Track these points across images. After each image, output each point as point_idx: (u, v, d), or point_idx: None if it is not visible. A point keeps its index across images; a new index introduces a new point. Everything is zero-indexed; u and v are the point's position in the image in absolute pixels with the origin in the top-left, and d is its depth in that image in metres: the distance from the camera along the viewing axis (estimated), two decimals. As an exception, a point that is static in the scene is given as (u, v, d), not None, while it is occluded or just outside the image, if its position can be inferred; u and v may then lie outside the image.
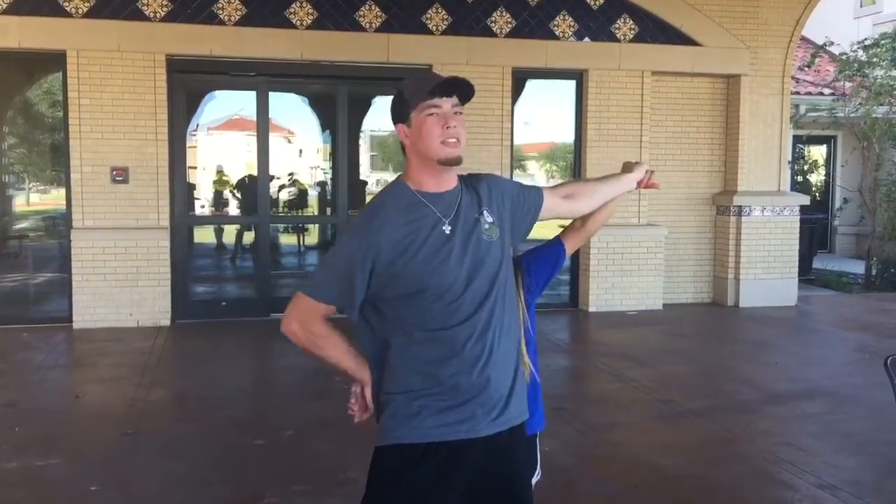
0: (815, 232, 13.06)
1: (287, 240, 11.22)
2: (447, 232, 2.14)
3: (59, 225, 9.08)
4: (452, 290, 2.12)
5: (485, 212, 2.22)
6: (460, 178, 2.28)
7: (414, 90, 2.17)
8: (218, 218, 10.75)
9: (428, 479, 2.12)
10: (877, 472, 4.72)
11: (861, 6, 17.43)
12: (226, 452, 4.89)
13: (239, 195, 10.62)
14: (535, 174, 11.79)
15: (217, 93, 9.98)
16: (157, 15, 8.35)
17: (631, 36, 9.50)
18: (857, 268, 13.39)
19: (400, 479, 2.13)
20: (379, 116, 10.97)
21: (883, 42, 12.55)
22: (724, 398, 6.28)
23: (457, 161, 2.16)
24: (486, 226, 2.20)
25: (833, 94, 13.21)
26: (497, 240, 2.22)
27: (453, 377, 2.12)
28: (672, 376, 6.81)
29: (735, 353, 7.98)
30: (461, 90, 2.18)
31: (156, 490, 4.33)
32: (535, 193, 2.46)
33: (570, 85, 9.67)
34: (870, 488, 4.42)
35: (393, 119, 2.24)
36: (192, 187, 9.87)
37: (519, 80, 9.45)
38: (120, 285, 8.37)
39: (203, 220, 10.53)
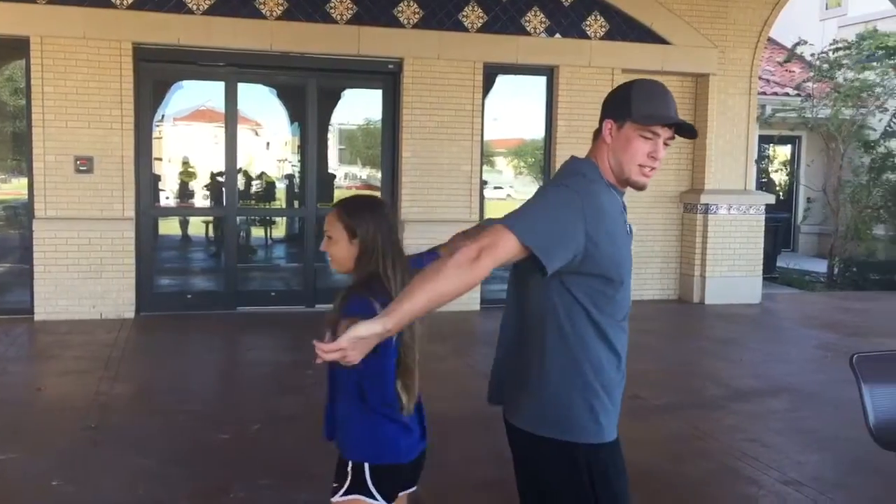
0: (780, 231, 13.24)
1: (254, 233, 11.11)
2: (628, 231, 2.21)
3: (20, 215, 8.89)
4: (626, 286, 2.19)
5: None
6: None
7: (644, 104, 2.10)
8: (184, 210, 10.61)
9: None
10: (839, 468, 4.80)
11: (826, 8, 17.69)
12: (191, 446, 4.83)
13: (206, 187, 10.49)
14: (504, 170, 11.79)
15: (184, 83, 9.83)
16: (124, 2, 8.20)
17: (601, 33, 9.54)
18: (820, 266, 13.61)
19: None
20: (349, 109, 10.90)
21: (854, 43, 12.78)
22: (690, 394, 6.34)
23: (641, 189, 2.20)
24: (629, 231, 2.25)
25: (798, 94, 13.39)
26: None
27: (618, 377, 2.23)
28: (639, 373, 6.82)
29: (701, 349, 8.06)
30: (683, 128, 2.16)
31: (119, 484, 4.26)
32: None
33: (541, 81, 9.69)
34: (832, 484, 4.48)
35: (607, 109, 2.18)
36: (157, 178, 9.73)
37: (489, 75, 9.44)
38: (83, 277, 8.23)
39: (169, 212, 10.39)
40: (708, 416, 5.76)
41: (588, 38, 9.51)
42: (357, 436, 2.40)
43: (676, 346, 8.21)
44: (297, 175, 10.66)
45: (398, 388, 2.35)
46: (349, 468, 2.40)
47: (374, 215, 2.43)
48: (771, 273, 12.04)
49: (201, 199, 10.62)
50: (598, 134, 2.21)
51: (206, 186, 10.46)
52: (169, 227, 10.45)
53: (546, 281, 2.09)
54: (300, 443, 4.81)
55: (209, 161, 10.22)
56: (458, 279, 1.92)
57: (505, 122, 10.22)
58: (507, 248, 1.96)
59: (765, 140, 14.76)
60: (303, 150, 9.85)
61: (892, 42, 12.74)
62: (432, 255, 2.61)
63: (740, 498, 4.33)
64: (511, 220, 2.01)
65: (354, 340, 1.88)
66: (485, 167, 9.72)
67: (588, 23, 9.50)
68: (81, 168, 8.22)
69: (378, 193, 9.41)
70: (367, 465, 2.39)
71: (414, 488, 2.59)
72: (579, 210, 2.03)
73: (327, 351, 1.87)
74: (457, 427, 5.25)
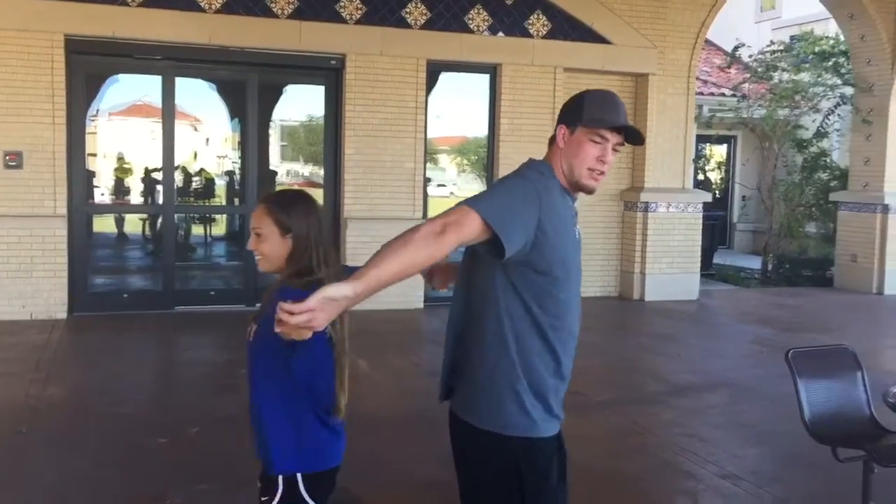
0: (716, 228, 13.51)
1: (193, 230, 10.90)
2: (577, 236, 2.30)
3: (-55, 211, 8.56)
4: (572, 286, 2.25)
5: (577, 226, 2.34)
6: None
7: (595, 110, 2.23)
8: (120, 206, 10.35)
9: None
10: (775, 462, 4.90)
11: (761, 10, 18.11)
12: (127, 451, 4.69)
13: (143, 183, 10.25)
14: (447, 168, 11.79)
15: (120, 76, 9.56)
16: (56, -8, 7.95)
17: (544, 32, 9.60)
18: (754, 263, 13.93)
19: None
20: (290, 105, 10.75)
21: (788, 46, 13.11)
22: (630, 390, 6.42)
23: (590, 192, 2.28)
24: (578, 237, 2.33)
25: (734, 95, 13.68)
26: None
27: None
28: (580, 369, 6.80)
29: (641, 345, 8.17)
30: (631, 136, 2.25)
31: (52, 491, 4.12)
32: None
33: (484, 79, 9.70)
34: (769, 478, 4.58)
35: (562, 115, 2.30)
36: (91, 174, 9.46)
37: (432, 72, 9.42)
38: (12, 276, 7.95)
39: (104, 209, 10.12)
40: (647, 412, 5.83)
41: (531, 36, 9.55)
42: (288, 446, 2.32)
43: (617, 343, 8.31)
44: (237, 172, 10.48)
45: (336, 389, 2.30)
46: (280, 480, 2.33)
47: (305, 210, 2.35)
48: (707, 270, 12.28)
49: (138, 196, 10.37)
50: (553, 140, 2.31)
51: (143, 182, 10.23)
52: (104, 224, 10.18)
53: (492, 275, 2.16)
54: (240, 446, 4.67)
55: (146, 157, 10.00)
56: (425, 250, 1.94)
57: (448, 119, 10.22)
58: (472, 226, 2.00)
59: (702, 139, 15.06)
60: (243, 146, 9.69)
61: (825, 46, 13.10)
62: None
63: (679, 492, 4.39)
64: (474, 202, 2.06)
65: (324, 301, 1.80)
66: (428, 165, 9.69)
67: (531, 21, 9.54)
68: (11, 164, 7.94)
69: (321, 191, 9.31)
70: (299, 476, 2.32)
71: None
72: (535, 199, 2.11)
73: (296, 312, 1.76)
74: (401, 426, 5.22)
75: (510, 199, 2.11)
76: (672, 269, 10.34)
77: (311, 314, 1.77)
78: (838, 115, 12.87)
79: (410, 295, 8.96)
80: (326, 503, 2.41)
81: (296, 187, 10.64)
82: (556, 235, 2.15)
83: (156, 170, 9.31)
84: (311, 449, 2.33)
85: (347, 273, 2.33)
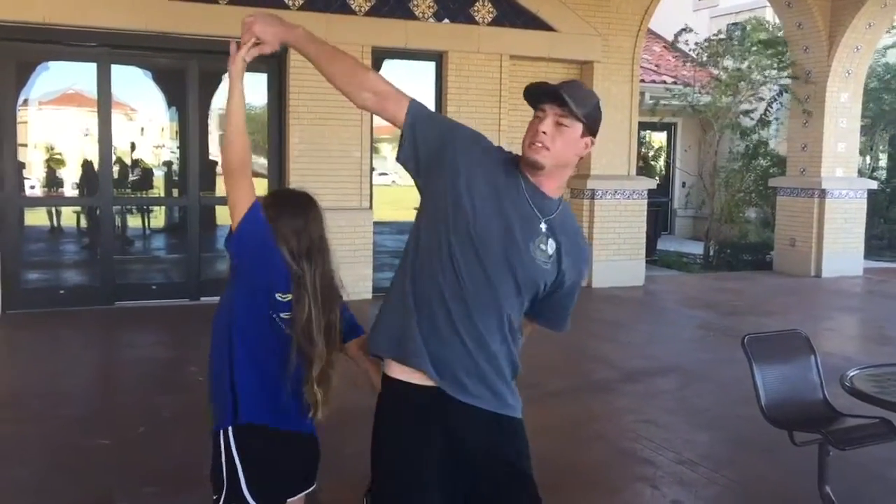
0: (659, 215, 13.66)
1: (131, 223, 10.57)
2: (542, 235, 2.25)
3: None
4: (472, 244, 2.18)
5: (549, 240, 2.27)
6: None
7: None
8: (54, 199, 9.98)
9: None
10: (728, 446, 4.94)
11: (700, 0, 18.35)
12: (69, 454, 4.50)
13: (78, 174, 9.90)
14: (388, 156, 11.68)
15: (50, 64, 9.20)
16: (-19, -25, 7.58)
17: (489, 19, 9.53)
18: (696, 249, 14.14)
19: None
20: (231, 94, 10.49)
21: (734, 32, 13.27)
22: (583, 378, 6.42)
23: (533, 165, 2.22)
24: (542, 247, 2.26)
25: (675, 82, 13.81)
26: (545, 270, 2.28)
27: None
28: (532, 357, 6.79)
29: (591, 332, 8.18)
30: (559, 99, 2.21)
31: (-12, 500, 3.92)
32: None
33: (430, 67, 9.59)
34: (724, 462, 4.61)
35: None
36: (21, 166, 9.08)
37: (377, 59, 9.27)
38: (-60, 273, 7.60)
39: (37, 202, 9.74)
40: (602, 399, 5.84)
41: (476, 23, 9.47)
42: (228, 401, 2.35)
43: (567, 330, 8.31)
44: (176, 162, 10.20)
45: (313, 388, 2.40)
46: (221, 436, 2.35)
47: (294, 205, 2.55)
48: (651, 256, 12.41)
49: (72, 188, 10.01)
50: None
51: (78, 174, 9.87)
52: (36, 217, 9.81)
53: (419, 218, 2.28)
54: (187, 445, 4.56)
55: (79, 147, 9.65)
56: (348, 67, 2.27)
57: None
58: (399, 101, 2.29)
59: (642, 126, 15.19)
60: (182, 136, 9.41)
61: (766, 35, 13.30)
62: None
63: (638, 479, 4.39)
64: (416, 100, 2.29)
65: (264, 13, 2.33)
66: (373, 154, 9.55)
67: (476, 8, 9.46)
68: (-64, 155, 7.58)
69: (265, 181, 9.10)
70: (230, 432, 2.34)
71: (312, 488, 2.61)
72: (460, 131, 2.29)
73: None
74: (352, 419, 5.12)
75: (440, 118, 2.36)
76: (619, 256, 10.41)
77: (252, 17, 2.29)
78: (780, 103, 13.10)
79: (359, 286, 8.84)
80: (271, 495, 2.41)
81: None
82: (466, 172, 2.18)
83: (90, 160, 8.98)
84: (247, 401, 2.36)
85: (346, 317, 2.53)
